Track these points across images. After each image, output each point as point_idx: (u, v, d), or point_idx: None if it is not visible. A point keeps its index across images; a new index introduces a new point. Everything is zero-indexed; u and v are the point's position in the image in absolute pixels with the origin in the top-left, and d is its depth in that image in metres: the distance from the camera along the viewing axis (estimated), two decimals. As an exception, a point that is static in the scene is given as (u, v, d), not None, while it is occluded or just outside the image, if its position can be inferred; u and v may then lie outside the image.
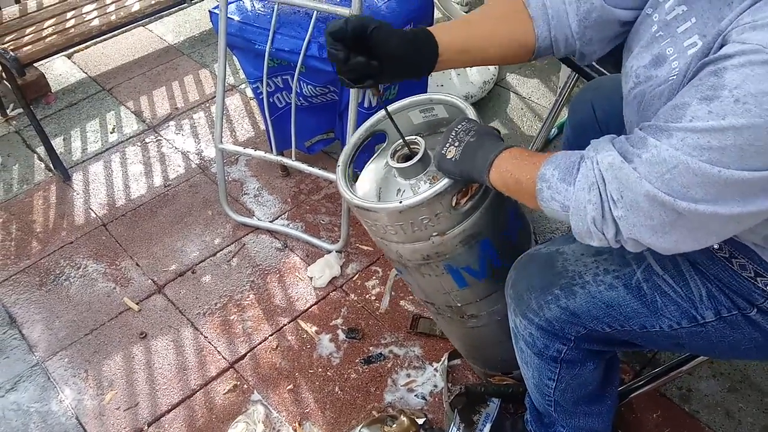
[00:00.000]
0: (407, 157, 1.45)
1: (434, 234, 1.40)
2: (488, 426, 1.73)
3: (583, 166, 1.06)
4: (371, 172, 1.61)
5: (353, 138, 1.58)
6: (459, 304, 1.60)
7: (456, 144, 1.29)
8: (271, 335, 2.17)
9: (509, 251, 1.53)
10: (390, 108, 1.58)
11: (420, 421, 1.85)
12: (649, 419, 1.86)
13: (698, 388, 1.92)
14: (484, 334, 1.69)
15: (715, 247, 1.16)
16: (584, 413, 1.53)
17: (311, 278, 2.32)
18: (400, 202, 1.35)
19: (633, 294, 1.24)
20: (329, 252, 2.39)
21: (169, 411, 1.99)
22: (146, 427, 1.96)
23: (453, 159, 1.28)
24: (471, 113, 1.42)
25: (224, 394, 2.02)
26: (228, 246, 2.49)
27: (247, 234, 2.52)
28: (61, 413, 2.02)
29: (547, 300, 1.30)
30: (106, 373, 2.11)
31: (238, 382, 2.04)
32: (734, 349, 1.24)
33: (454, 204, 1.37)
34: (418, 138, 1.46)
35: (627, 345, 1.38)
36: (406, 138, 1.45)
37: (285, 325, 2.19)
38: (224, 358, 2.11)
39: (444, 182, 1.33)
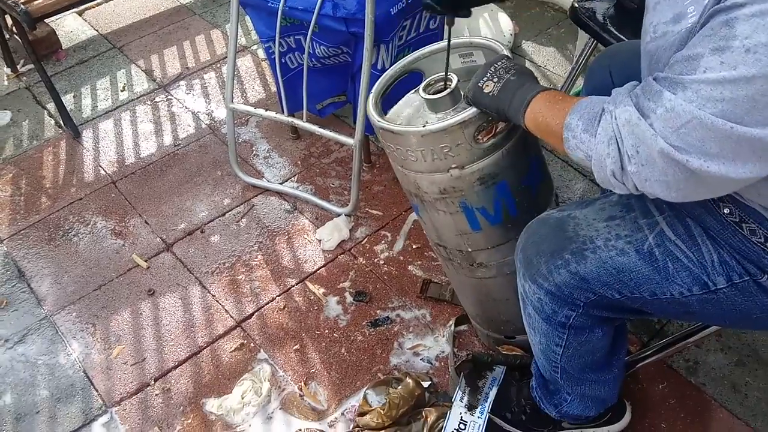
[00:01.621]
0: (439, 92, 1.47)
1: (453, 166, 1.41)
2: (494, 390, 1.73)
3: (603, 119, 1.06)
4: (401, 107, 1.61)
5: (390, 70, 1.60)
6: (470, 249, 1.60)
7: (495, 80, 1.29)
8: (279, 296, 2.17)
9: (527, 202, 1.53)
10: (428, 48, 1.60)
11: (425, 384, 1.86)
12: (655, 390, 1.86)
13: (705, 360, 1.91)
14: (492, 288, 1.69)
15: (726, 211, 1.15)
16: (590, 381, 1.53)
17: (320, 241, 2.32)
18: (424, 126, 1.37)
19: (644, 259, 1.23)
20: (338, 215, 2.38)
21: (175, 367, 2.00)
22: (153, 382, 1.97)
23: (491, 94, 1.29)
24: (507, 53, 1.43)
25: (231, 352, 2.03)
26: (237, 207, 2.48)
27: (257, 195, 2.52)
28: (68, 366, 2.03)
29: (557, 265, 1.29)
30: (114, 328, 2.12)
31: (245, 341, 2.05)
32: (745, 317, 1.23)
33: (476, 138, 1.37)
34: (453, 75, 1.47)
35: (636, 313, 1.37)
36: (441, 74, 1.48)
37: (293, 286, 2.20)
38: (231, 317, 2.12)
39: (469, 111, 1.34)
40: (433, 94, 1.47)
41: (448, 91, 1.44)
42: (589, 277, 1.27)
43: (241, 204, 2.49)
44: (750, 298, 1.19)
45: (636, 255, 1.24)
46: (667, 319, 1.98)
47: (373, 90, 1.55)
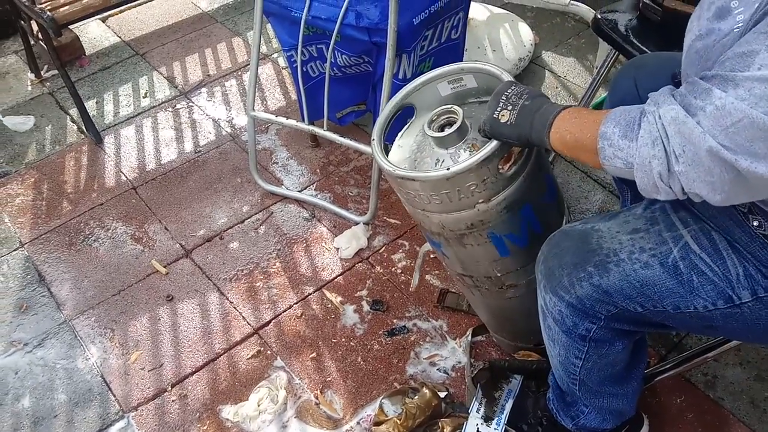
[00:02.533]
0: (443, 127, 1.45)
1: (480, 201, 1.40)
2: (510, 402, 1.73)
3: (644, 121, 1.04)
4: (404, 145, 1.60)
5: (385, 111, 1.58)
6: (499, 274, 1.60)
7: (509, 108, 1.28)
8: (296, 303, 2.17)
9: (547, 218, 1.53)
10: (419, 80, 1.58)
11: (442, 395, 1.85)
12: (673, 404, 1.85)
13: (724, 375, 1.89)
14: (520, 305, 1.68)
15: (755, 224, 1.14)
16: (609, 394, 1.52)
17: (338, 249, 2.32)
18: (448, 169, 1.34)
19: (669, 273, 1.22)
20: (357, 224, 2.38)
21: (192, 373, 2.01)
22: (170, 388, 1.98)
23: (508, 123, 1.28)
24: (508, 77, 1.42)
25: (248, 359, 2.03)
26: (256, 214, 2.49)
27: (276, 203, 2.53)
28: (86, 371, 2.04)
29: (579, 277, 1.27)
30: (132, 333, 2.13)
31: (262, 348, 2.06)
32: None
33: (498, 170, 1.37)
34: (455, 107, 1.46)
35: (657, 326, 1.36)
36: (442, 108, 1.46)
37: (310, 294, 2.20)
38: (249, 324, 2.13)
39: (491, 145, 1.33)
40: (438, 130, 1.46)
41: (456, 126, 1.42)
42: (612, 291, 1.25)
43: (260, 211, 2.50)
44: None
45: (660, 268, 1.22)
46: (687, 333, 1.97)
47: (374, 135, 1.52)
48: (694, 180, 0.99)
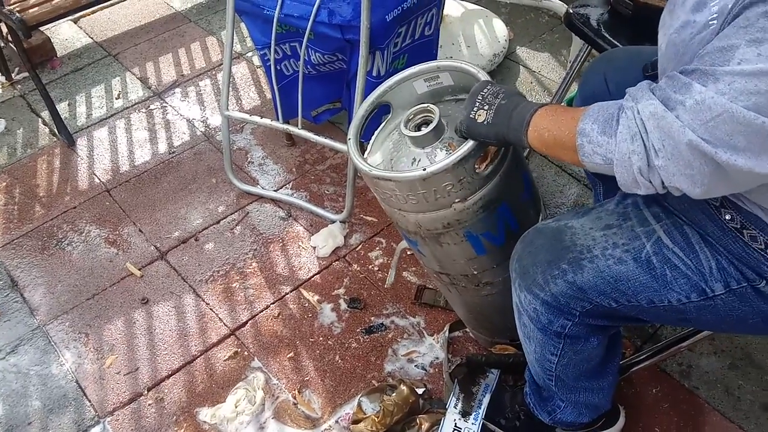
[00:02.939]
0: (419, 126, 1.44)
1: (456, 201, 1.40)
2: (487, 397, 1.73)
3: (623, 117, 1.05)
4: (379, 144, 1.60)
5: (361, 110, 1.57)
6: (476, 272, 1.60)
7: (486, 107, 1.28)
8: (273, 303, 2.16)
9: (524, 215, 1.54)
10: (395, 78, 1.57)
11: (420, 391, 1.85)
12: (649, 394, 1.86)
13: (698, 364, 1.91)
14: (497, 302, 1.69)
15: (727, 217, 1.15)
16: (585, 388, 1.53)
17: (314, 248, 2.31)
18: (424, 170, 1.33)
19: (642, 268, 1.22)
20: (333, 222, 2.37)
21: (169, 376, 2.00)
22: (146, 392, 1.96)
23: (485, 122, 1.27)
24: (484, 76, 1.41)
25: (225, 360, 2.02)
26: (231, 214, 2.48)
27: (251, 202, 2.51)
28: (61, 376, 2.02)
29: (553, 274, 1.28)
30: (107, 337, 2.11)
31: (239, 349, 2.04)
32: (741, 323, 1.23)
33: (475, 169, 1.36)
34: (432, 106, 1.45)
35: (632, 320, 1.37)
36: (418, 107, 1.46)
37: (287, 293, 2.19)
38: (225, 325, 2.11)
39: (468, 145, 1.32)
40: (415, 129, 1.45)
41: (432, 125, 1.42)
42: (586, 287, 1.26)
43: (236, 211, 2.49)
44: (747, 303, 1.19)
45: (634, 263, 1.23)
46: (661, 324, 1.98)
47: (350, 135, 1.52)
48: (674, 174, 0.99)
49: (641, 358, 1.77)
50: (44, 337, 2.12)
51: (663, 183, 1.02)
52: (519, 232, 1.47)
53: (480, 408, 1.72)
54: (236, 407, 1.88)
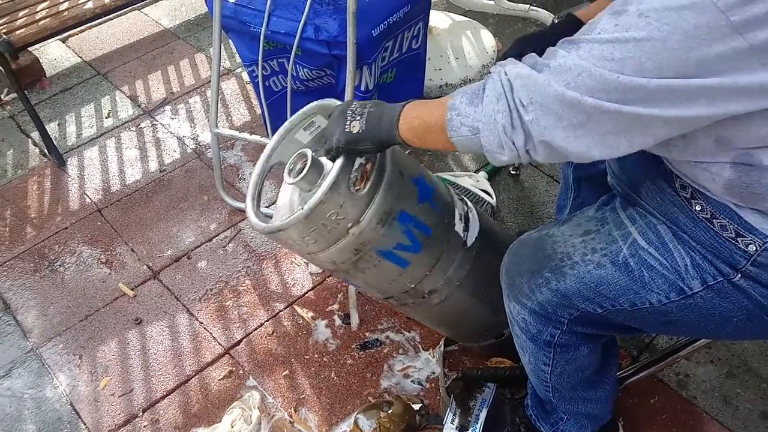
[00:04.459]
0: (299, 172, 1.42)
1: (349, 225, 1.39)
2: (484, 411, 1.72)
3: (489, 82, 1.09)
4: (285, 199, 1.60)
5: (253, 178, 1.57)
6: (413, 285, 1.59)
7: (358, 118, 1.30)
8: (267, 321, 2.15)
9: (432, 217, 1.52)
10: (274, 139, 1.58)
11: (416, 407, 1.84)
12: (646, 405, 1.85)
13: (696, 373, 1.91)
14: (454, 306, 1.68)
15: (698, 208, 1.17)
16: (582, 399, 1.53)
17: (307, 264, 2.31)
18: (302, 209, 1.34)
19: (621, 271, 1.24)
20: (325, 237, 2.36)
21: (163, 397, 1.98)
22: (141, 413, 1.95)
23: (360, 131, 1.29)
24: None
25: (219, 380, 2.01)
26: (224, 231, 2.47)
27: (243, 219, 2.50)
28: (55, 399, 2.01)
29: (538, 283, 1.30)
30: (101, 359, 2.10)
31: (234, 368, 2.03)
32: (727, 322, 1.22)
33: (353, 189, 1.36)
34: (304, 149, 1.44)
35: (621, 328, 1.38)
36: (295, 154, 1.46)
37: (281, 310, 2.18)
38: (219, 344, 2.10)
39: (334, 171, 1.32)
40: (297, 176, 1.43)
41: (307, 165, 1.39)
42: (570, 293, 1.28)
43: (228, 229, 2.48)
44: (726, 299, 1.19)
45: (612, 267, 1.25)
46: (655, 334, 1.98)
47: (248, 198, 1.53)
48: (546, 127, 1.02)
49: (638, 368, 1.77)
50: (38, 360, 2.11)
51: (525, 144, 1.05)
52: (435, 233, 1.50)
53: (477, 423, 1.71)
54: (232, 427, 1.87)
